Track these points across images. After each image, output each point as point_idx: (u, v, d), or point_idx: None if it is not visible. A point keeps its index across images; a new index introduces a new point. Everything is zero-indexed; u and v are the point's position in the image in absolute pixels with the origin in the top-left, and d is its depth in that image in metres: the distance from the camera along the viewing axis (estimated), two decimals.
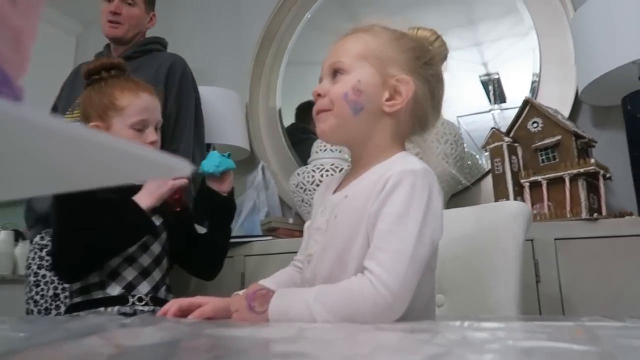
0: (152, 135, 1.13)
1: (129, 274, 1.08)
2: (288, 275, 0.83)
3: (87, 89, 1.16)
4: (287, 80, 2.16)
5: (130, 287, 1.07)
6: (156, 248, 1.14)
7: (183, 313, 0.71)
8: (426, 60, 0.75)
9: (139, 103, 1.11)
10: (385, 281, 0.59)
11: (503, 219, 0.91)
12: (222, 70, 2.27)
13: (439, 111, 0.78)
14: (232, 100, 2.01)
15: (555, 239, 1.20)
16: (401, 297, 0.60)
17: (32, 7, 0.26)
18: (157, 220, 1.15)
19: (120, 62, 1.19)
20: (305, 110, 2.11)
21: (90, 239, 1.03)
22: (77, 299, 1.07)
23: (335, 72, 0.75)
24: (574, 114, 1.58)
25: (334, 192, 0.77)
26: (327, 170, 1.61)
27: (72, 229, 1.04)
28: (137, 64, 1.57)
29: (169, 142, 1.52)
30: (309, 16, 2.14)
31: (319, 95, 0.76)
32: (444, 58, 0.80)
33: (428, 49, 0.77)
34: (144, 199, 1.07)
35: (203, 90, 1.74)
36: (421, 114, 0.75)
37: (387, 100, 0.72)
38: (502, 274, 0.90)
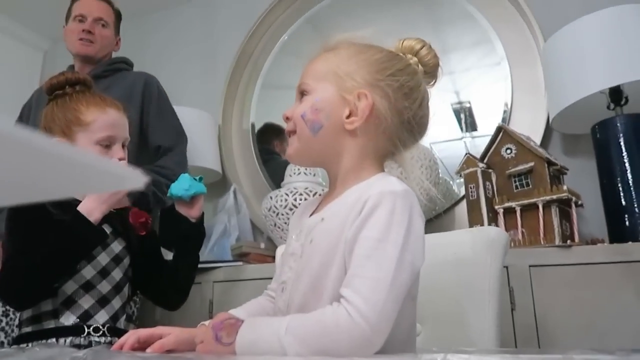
0: (119, 152, 1.08)
1: (86, 302, 1.00)
2: (259, 305, 0.79)
3: (49, 104, 1.10)
4: (261, 103, 2.14)
5: (86, 316, 0.99)
6: (117, 274, 1.07)
7: (142, 345, 0.65)
8: (392, 72, 0.71)
9: (106, 118, 1.06)
10: (363, 311, 0.55)
11: (481, 245, 0.89)
12: (194, 90, 2.23)
13: (415, 126, 0.72)
14: (204, 121, 1.97)
15: (529, 266, 1.19)
16: (380, 328, 0.55)
17: None
18: (120, 244, 1.09)
19: (85, 78, 1.14)
20: (264, 133, 2.12)
21: (33, 258, 0.94)
22: (27, 329, 0.99)
23: (301, 94, 0.74)
24: (545, 142, 1.60)
25: (311, 215, 0.74)
26: (300, 194, 1.58)
27: (20, 251, 0.96)
28: (108, 82, 1.56)
29: (159, 156, 1.54)
30: (285, 38, 2.13)
31: (287, 118, 0.74)
32: (433, 67, 0.76)
33: (398, 58, 0.74)
34: (94, 209, 0.97)
35: (176, 110, 1.70)
36: (387, 130, 0.70)
37: (348, 117, 0.70)
38: (480, 301, 0.87)
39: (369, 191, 0.63)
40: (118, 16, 1.73)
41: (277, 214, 1.60)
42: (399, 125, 0.71)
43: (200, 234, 1.22)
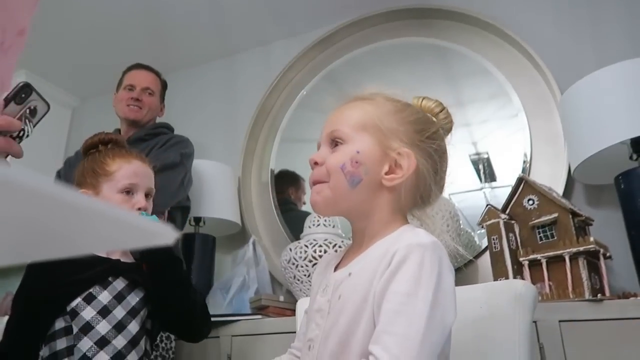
0: (141, 200, 1.09)
1: (100, 358, 0.97)
2: None
3: (82, 162, 1.16)
4: (279, 156, 2.17)
5: None
6: (133, 327, 1.03)
7: None
8: (429, 134, 0.72)
9: (129, 167, 1.10)
10: None
11: (509, 299, 0.86)
12: (216, 144, 2.28)
13: (442, 186, 0.76)
14: (225, 174, 2.00)
15: (559, 321, 1.15)
16: None
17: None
18: (137, 296, 1.06)
19: (118, 138, 1.19)
20: (279, 180, 2.11)
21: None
22: None
23: (334, 141, 0.71)
24: (567, 193, 1.58)
25: (335, 269, 0.72)
26: (320, 246, 1.56)
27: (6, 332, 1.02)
28: (147, 145, 1.65)
29: None
30: (304, 93, 2.19)
31: (315, 163, 0.71)
32: (449, 130, 0.78)
33: (432, 121, 0.75)
34: None
35: (198, 163, 1.74)
36: (423, 189, 0.72)
37: (387, 173, 0.69)
38: (510, 358, 0.83)
39: (397, 244, 0.63)
40: (164, 86, 1.89)
41: (297, 266, 1.58)
42: (435, 184, 0.73)
43: (161, 252, 1.07)
